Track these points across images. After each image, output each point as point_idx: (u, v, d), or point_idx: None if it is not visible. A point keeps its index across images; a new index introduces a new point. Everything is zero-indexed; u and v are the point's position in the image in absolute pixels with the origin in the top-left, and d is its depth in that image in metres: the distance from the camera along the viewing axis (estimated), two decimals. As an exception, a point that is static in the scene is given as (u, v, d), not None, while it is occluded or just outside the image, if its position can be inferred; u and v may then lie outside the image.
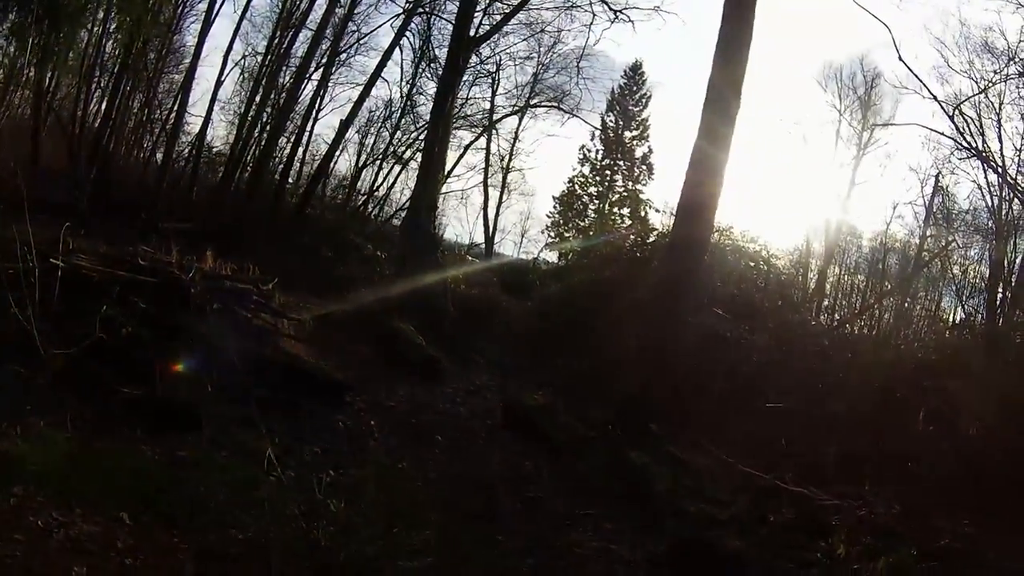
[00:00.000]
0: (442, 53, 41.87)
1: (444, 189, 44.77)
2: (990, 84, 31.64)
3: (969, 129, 31.70)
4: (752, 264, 30.69)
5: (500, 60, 45.98)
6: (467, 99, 47.28)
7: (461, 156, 48.42)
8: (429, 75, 44.22)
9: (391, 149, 46.99)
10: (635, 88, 48.38)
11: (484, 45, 41.66)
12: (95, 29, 35.92)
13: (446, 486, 12.46)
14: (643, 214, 44.23)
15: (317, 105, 42.72)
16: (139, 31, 35.26)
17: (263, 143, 40.07)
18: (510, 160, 50.24)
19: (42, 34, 31.15)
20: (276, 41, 41.43)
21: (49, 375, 11.16)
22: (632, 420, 16.90)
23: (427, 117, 42.36)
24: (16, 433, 9.27)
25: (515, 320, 27.58)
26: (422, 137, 43.92)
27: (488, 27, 40.38)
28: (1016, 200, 32.61)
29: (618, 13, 35.80)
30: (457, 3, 39.30)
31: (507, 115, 49.28)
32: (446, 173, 44.62)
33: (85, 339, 12.18)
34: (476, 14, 38.86)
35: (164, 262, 16.27)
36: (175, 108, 39.92)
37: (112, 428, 10.47)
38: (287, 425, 12.72)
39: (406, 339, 20.54)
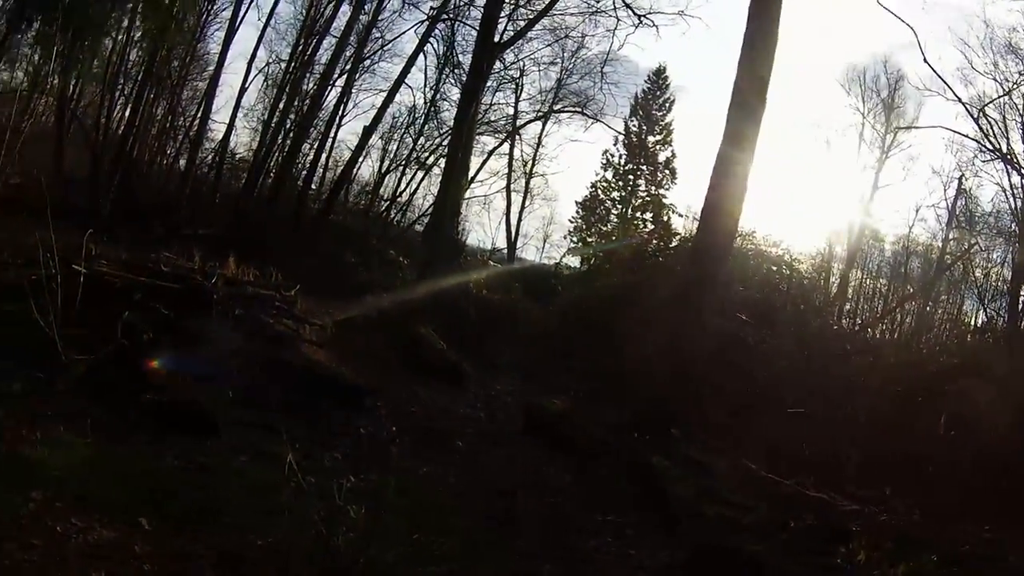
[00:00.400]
0: (466, 59, 41.99)
1: (467, 195, 44.83)
2: (1015, 86, 31.54)
3: (993, 131, 31.62)
4: (774, 268, 30.70)
5: (524, 66, 46.16)
6: (491, 105, 47.42)
7: (485, 162, 48.55)
8: (453, 81, 44.35)
9: (414, 155, 47.12)
10: (658, 93, 48.26)
11: (508, 51, 41.81)
12: (119, 37, 36.10)
13: (466, 492, 12.44)
14: (665, 219, 44.18)
15: (340, 111, 42.89)
16: (164, 39, 35.46)
17: (286, 149, 40.24)
18: (533, 165, 50.47)
19: (66, 42, 31.31)
20: (300, 48, 41.61)
21: (70, 380, 11.22)
22: (653, 424, 16.87)
23: (451, 123, 42.45)
24: (36, 438, 9.28)
25: (536, 325, 27.58)
26: (446, 143, 43.99)
27: (512, 33, 40.51)
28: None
29: (642, 18, 35.83)
30: (481, 9, 39.46)
31: (531, 121, 49.47)
32: (469, 179, 44.62)
33: (106, 345, 12.29)
34: (500, 20, 39.01)
35: (186, 268, 16.38)
36: (199, 115, 40.20)
37: (131, 433, 10.49)
38: (307, 430, 12.72)
39: (428, 344, 20.55)
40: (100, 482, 8.80)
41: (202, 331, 14.15)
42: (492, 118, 48.08)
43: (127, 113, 36.90)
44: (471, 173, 45.23)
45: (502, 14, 39.28)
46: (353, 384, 15.55)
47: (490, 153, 48.81)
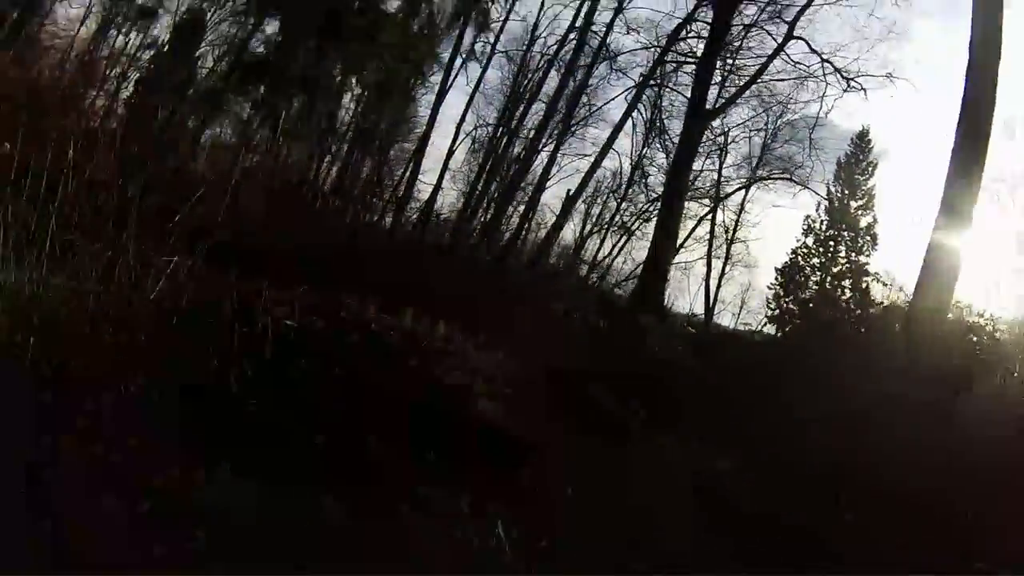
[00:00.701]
0: (670, 123, 42.42)
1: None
2: None
3: None
4: (974, 338, 29.89)
5: (729, 131, 46.01)
6: (700, 172, 47.32)
7: (693, 229, 48.28)
8: (659, 146, 44.66)
9: (617, 219, 47.39)
10: (861, 156, 47.59)
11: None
12: (338, 100, 37.74)
13: (632, 558, 12.40)
14: (864, 287, 43.35)
15: (546, 175, 43.54)
16: (383, 105, 36.97)
17: (492, 211, 41.12)
18: (735, 232, 50.05)
19: (287, 104, 32.76)
20: (507, 113, 42.64)
21: (241, 421, 11.65)
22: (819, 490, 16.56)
23: (657, 188, 42.98)
24: (203, 478, 9.64)
25: (723, 388, 27.26)
26: (650, 208, 44.38)
27: (723, 100, 40.88)
28: None
29: (850, 81, 36.01)
30: (689, 75, 39.97)
31: (737, 189, 49.13)
32: (678, 245, 44.58)
33: (283, 388, 12.83)
34: (712, 86, 39.58)
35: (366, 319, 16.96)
36: (406, 175, 41.54)
37: (297, 478, 10.63)
38: (470, 483, 12.57)
39: (599, 402, 20.49)
40: (264, 526, 9.12)
41: (377, 382, 14.57)
42: (697, 184, 48.09)
43: (335, 170, 38.48)
44: (680, 240, 45.20)
45: (712, 80, 39.79)
46: (521, 438, 15.51)
47: (699, 221, 48.63)
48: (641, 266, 42.76)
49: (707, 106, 40.11)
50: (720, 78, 40.90)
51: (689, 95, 40.91)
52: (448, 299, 23.50)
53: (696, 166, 46.94)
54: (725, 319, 51.12)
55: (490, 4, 45.52)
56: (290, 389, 12.98)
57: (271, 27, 39.95)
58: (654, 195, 45.00)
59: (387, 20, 40.86)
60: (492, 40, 44.65)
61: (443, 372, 16.71)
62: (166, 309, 13.15)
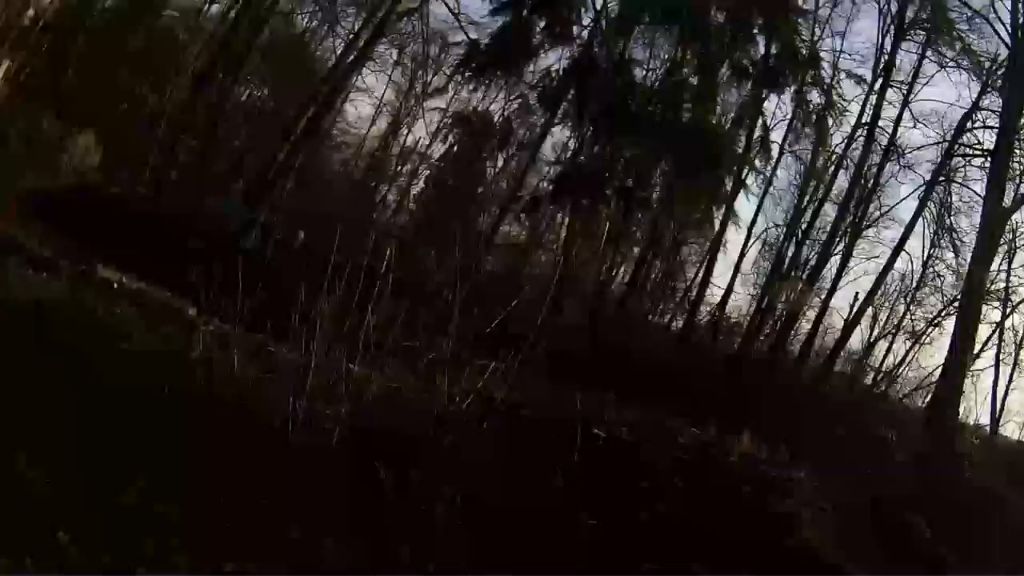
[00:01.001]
0: (958, 220, 41.17)
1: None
2: None
3: None
4: None
5: (1018, 227, 44.04)
6: (996, 272, 45.36)
7: (990, 337, 45.97)
8: (948, 245, 43.27)
9: (906, 323, 45.90)
10: None
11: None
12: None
13: None
14: None
15: (836, 280, 42.79)
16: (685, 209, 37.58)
17: (783, 316, 40.73)
18: (1024, 336, 47.35)
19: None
20: (796, 216, 42.37)
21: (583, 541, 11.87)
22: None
23: (947, 291, 41.57)
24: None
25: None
26: (942, 312, 43.03)
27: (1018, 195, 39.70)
28: None
29: None
30: (980, 169, 38.80)
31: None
32: (975, 353, 42.66)
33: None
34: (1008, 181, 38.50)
35: (702, 440, 16.77)
36: (698, 277, 41.70)
37: None
38: None
39: (916, 533, 19.81)
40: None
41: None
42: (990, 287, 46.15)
43: (626, 270, 39.11)
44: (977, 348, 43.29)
45: (1008, 175, 38.63)
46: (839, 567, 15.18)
47: (995, 328, 46.27)
48: (933, 373, 41.50)
49: (1004, 202, 38.79)
50: (1014, 170, 39.64)
51: (980, 190, 39.85)
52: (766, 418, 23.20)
53: (999, 267, 45.34)
54: (1009, 429, 48.71)
55: (827, 115, 44.92)
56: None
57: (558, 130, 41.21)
58: (947, 298, 43.76)
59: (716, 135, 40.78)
60: (780, 140, 44.34)
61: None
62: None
